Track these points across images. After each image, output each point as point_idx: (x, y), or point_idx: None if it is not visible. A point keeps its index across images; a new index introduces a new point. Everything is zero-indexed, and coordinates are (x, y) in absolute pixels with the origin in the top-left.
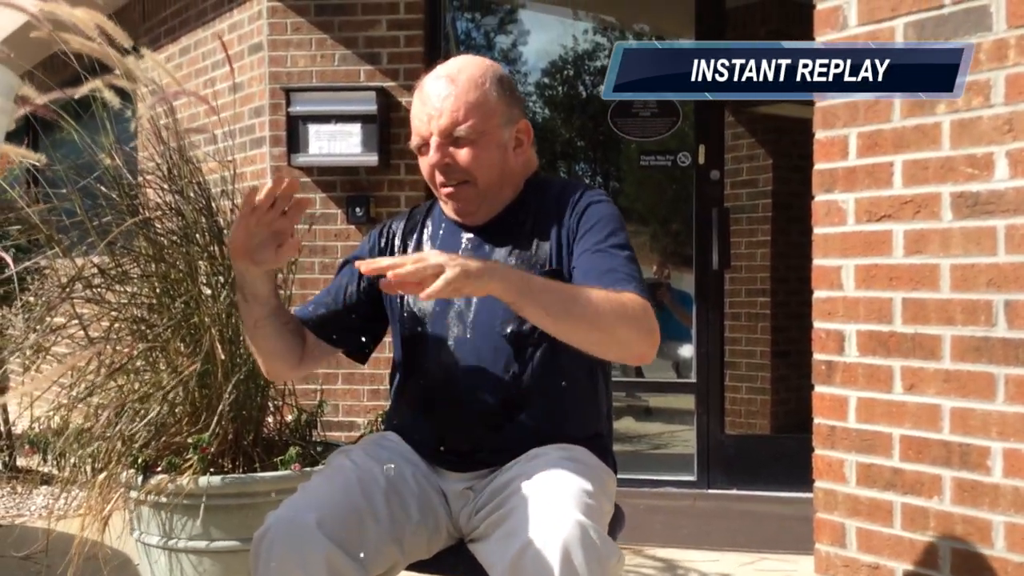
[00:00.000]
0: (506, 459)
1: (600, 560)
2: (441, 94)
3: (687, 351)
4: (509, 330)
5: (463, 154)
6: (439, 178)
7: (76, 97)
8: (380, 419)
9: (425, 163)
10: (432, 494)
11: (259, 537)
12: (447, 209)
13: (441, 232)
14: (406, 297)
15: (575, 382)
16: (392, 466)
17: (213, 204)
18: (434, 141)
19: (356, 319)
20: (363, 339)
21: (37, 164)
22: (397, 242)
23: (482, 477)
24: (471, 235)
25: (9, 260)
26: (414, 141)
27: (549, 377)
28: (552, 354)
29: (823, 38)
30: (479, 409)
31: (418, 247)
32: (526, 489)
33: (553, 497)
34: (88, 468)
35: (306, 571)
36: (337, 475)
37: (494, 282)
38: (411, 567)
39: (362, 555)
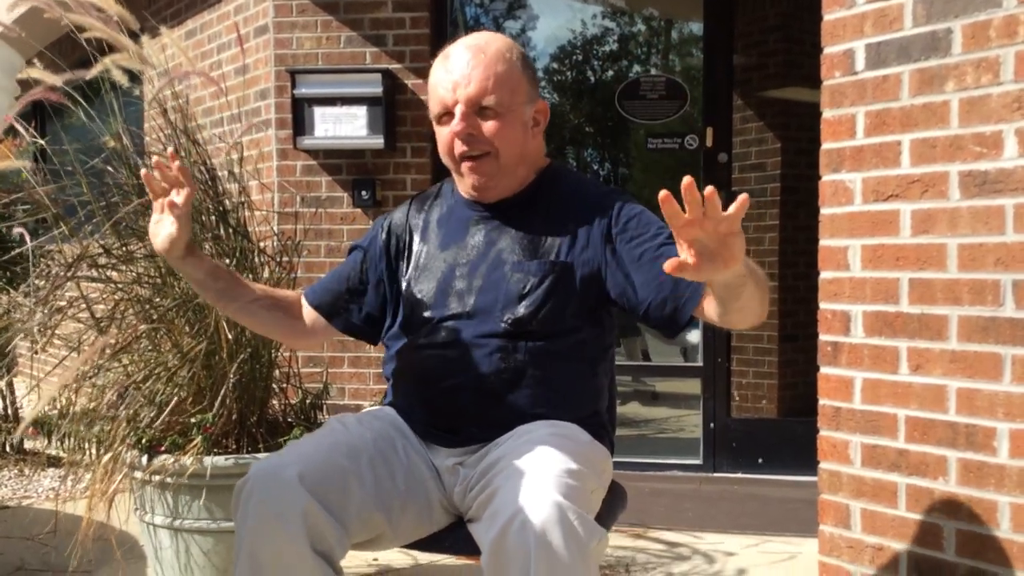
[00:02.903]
0: (495, 434)
1: (579, 542)
2: (470, 62)
3: (694, 335)
4: (508, 316)
5: (489, 126)
6: (460, 148)
7: (86, 79)
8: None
9: (445, 132)
10: (422, 468)
11: (240, 487)
12: (462, 186)
13: (453, 210)
14: (409, 278)
15: (571, 364)
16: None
17: (219, 185)
18: (459, 109)
19: (361, 306)
20: (370, 324)
21: (43, 146)
22: (400, 231)
23: (472, 453)
24: (484, 214)
25: (27, 237)
26: (435, 109)
27: (544, 359)
28: (549, 339)
29: (831, 16)
30: (472, 387)
31: (425, 228)
32: (510, 469)
33: (534, 478)
34: (93, 449)
35: (283, 522)
36: (326, 436)
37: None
38: (414, 545)
39: (340, 515)
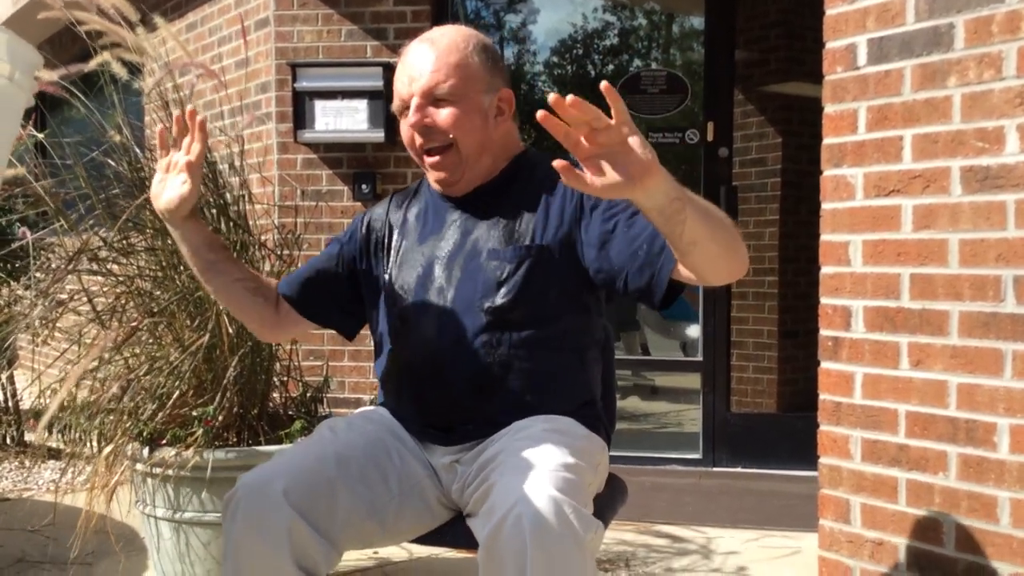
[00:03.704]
0: (489, 431)
1: (575, 535)
2: (422, 56)
3: (694, 330)
4: (487, 305)
5: (443, 115)
6: (419, 140)
7: (86, 72)
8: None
9: (405, 126)
10: (417, 469)
11: (228, 498)
12: (431, 179)
13: (430, 204)
14: (390, 274)
15: (558, 354)
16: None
17: (220, 179)
18: (414, 102)
19: (337, 298)
20: (345, 317)
21: (43, 140)
22: (380, 226)
23: (468, 450)
24: (456, 207)
25: (28, 234)
26: (396, 105)
27: (530, 349)
28: (531, 327)
29: (833, 11)
30: (460, 382)
31: (404, 223)
32: (506, 465)
33: (529, 473)
34: (94, 441)
35: (267, 539)
36: (315, 445)
37: (668, 180)
38: (415, 540)
39: (328, 528)
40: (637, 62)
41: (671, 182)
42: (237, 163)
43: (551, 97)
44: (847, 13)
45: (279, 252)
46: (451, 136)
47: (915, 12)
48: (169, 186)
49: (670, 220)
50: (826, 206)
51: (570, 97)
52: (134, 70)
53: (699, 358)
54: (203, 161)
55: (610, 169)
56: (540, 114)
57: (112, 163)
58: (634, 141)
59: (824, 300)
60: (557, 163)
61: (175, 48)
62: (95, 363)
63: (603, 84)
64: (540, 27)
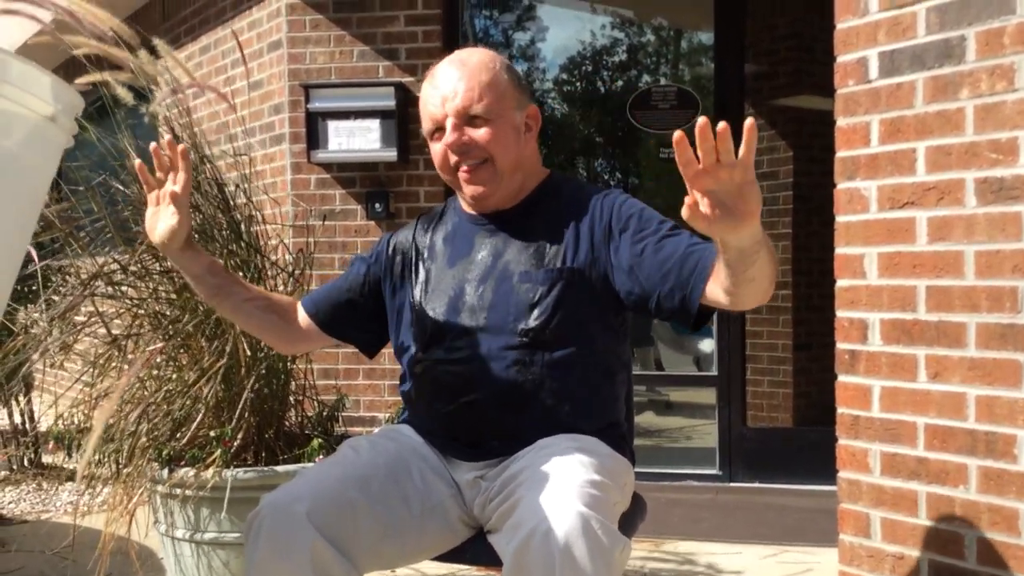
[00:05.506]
0: (516, 448)
1: (603, 551)
2: (454, 77)
3: (708, 345)
4: (521, 327)
5: (480, 133)
6: (454, 159)
7: (79, 84)
8: (399, 413)
9: (439, 147)
10: (440, 488)
11: (251, 518)
12: (463, 198)
13: (458, 227)
14: (420, 298)
15: (588, 374)
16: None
17: (230, 200)
18: (450, 123)
19: (360, 316)
20: (368, 335)
21: None
22: (406, 249)
23: (493, 466)
24: (489, 227)
25: (35, 255)
26: (427, 127)
27: (561, 370)
28: (565, 348)
29: (844, 25)
30: (490, 399)
31: (431, 247)
32: (532, 481)
33: (557, 489)
34: (113, 463)
35: (290, 560)
36: (337, 466)
37: (758, 224)
38: (436, 558)
39: (350, 550)
40: (646, 78)
41: (759, 226)
42: (248, 185)
43: (700, 120)
44: (858, 27)
45: (291, 271)
46: (489, 152)
47: (926, 25)
48: (161, 219)
49: (745, 260)
50: (840, 219)
51: (721, 124)
52: (140, 94)
53: (714, 373)
54: (189, 190)
55: (719, 207)
56: (677, 135)
57: (121, 187)
58: (749, 190)
59: (840, 313)
60: (689, 202)
61: (189, 70)
62: (107, 383)
63: (748, 122)
64: (549, 45)
